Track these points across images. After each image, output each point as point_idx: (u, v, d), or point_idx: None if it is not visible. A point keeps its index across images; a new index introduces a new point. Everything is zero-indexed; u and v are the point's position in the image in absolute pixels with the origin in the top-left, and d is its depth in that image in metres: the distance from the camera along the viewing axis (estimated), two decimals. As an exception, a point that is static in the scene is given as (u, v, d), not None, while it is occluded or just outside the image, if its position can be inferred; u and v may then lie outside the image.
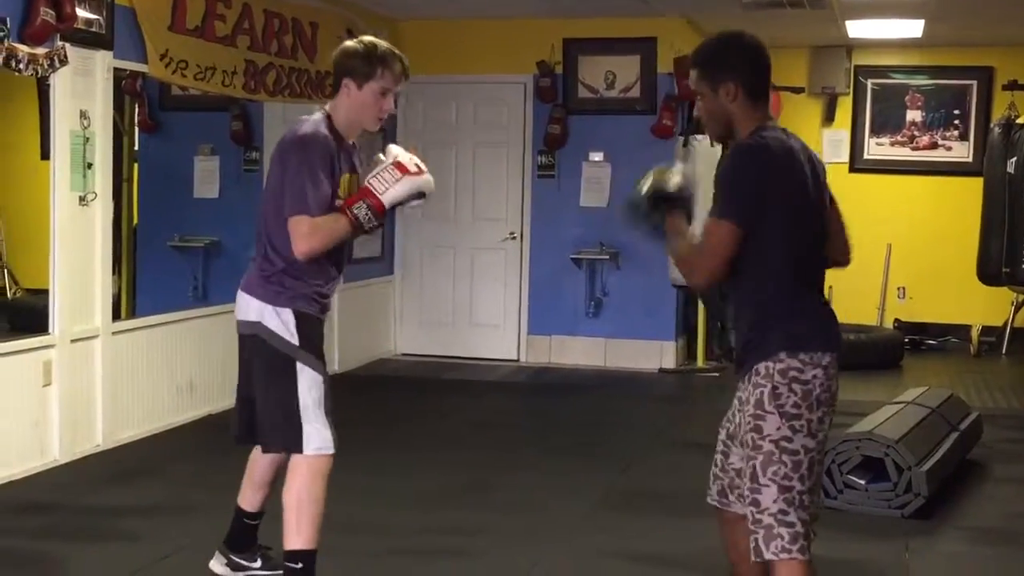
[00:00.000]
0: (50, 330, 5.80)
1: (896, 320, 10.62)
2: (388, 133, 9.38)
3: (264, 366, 3.76)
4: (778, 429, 3.00)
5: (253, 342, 3.78)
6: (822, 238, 3.19)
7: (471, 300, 9.58)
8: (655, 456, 6.43)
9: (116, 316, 6.58)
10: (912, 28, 9.37)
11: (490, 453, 6.42)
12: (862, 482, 5.22)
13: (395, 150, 3.80)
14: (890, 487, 5.15)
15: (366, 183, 3.70)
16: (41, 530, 4.85)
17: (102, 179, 6.07)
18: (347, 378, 8.61)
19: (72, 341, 5.89)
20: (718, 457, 3.31)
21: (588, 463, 6.19)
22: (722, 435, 3.32)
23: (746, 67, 3.14)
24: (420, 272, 9.67)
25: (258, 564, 4.08)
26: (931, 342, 10.52)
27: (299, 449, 3.71)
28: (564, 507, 5.33)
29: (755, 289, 3.08)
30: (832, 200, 3.29)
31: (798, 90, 10.55)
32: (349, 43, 3.84)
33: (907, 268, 10.63)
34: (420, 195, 3.74)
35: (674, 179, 3.24)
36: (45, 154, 6.24)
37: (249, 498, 4.08)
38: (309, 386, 3.72)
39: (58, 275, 5.83)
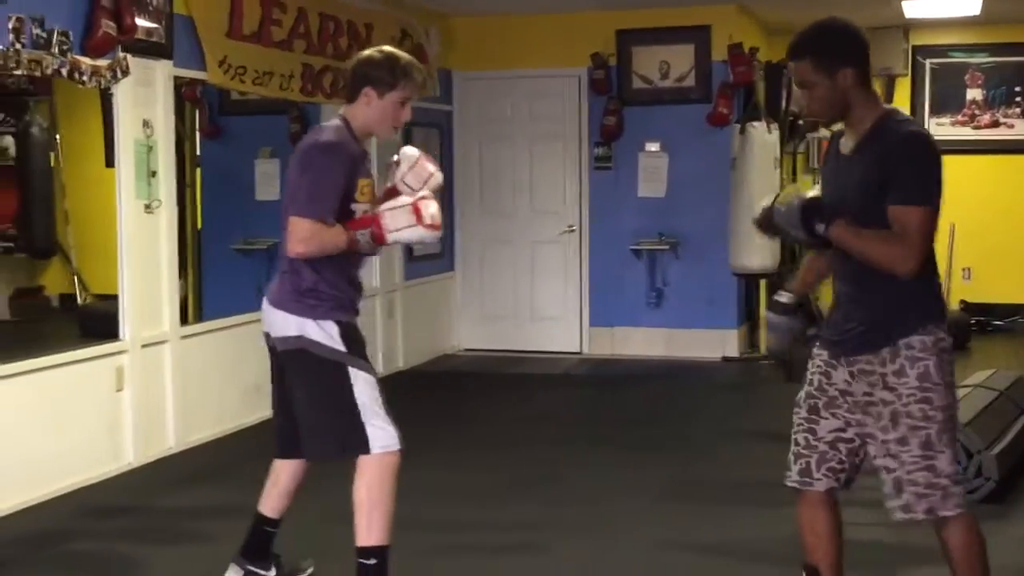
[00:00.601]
0: (121, 336, 5.92)
1: (962, 301, 10.50)
2: (445, 130, 9.46)
3: (313, 378, 3.78)
4: (946, 398, 3.23)
5: (296, 357, 3.79)
6: None
7: (532, 294, 9.61)
8: (720, 446, 6.42)
9: (184, 320, 6.69)
10: (970, 5, 9.25)
11: (554, 446, 6.45)
12: (931, 467, 5.18)
13: (412, 156, 3.92)
14: (960, 471, 5.10)
15: (380, 213, 3.75)
16: (118, 532, 4.95)
17: (166, 186, 6.17)
18: (411, 375, 8.68)
19: (143, 346, 6.00)
20: (800, 436, 3.39)
21: (653, 454, 6.20)
22: (802, 413, 3.40)
23: (860, 53, 3.28)
24: (480, 267, 9.71)
25: (273, 573, 4.10)
26: (998, 323, 10.39)
27: (366, 450, 3.73)
28: (629, 499, 5.34)
29: None
30: None
31: (855, 73, 10.45)
32: (369, 52, 3.88)
33: (972, 249, 10.49)
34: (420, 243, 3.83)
35: (812, 192, 3.36)
36: (110, 162, 6.36)
37: (273, 504, 4.08)
38: (363, 387, 3.76)
39: (127, 282, 5.95)
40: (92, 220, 9.28)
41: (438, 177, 3.99)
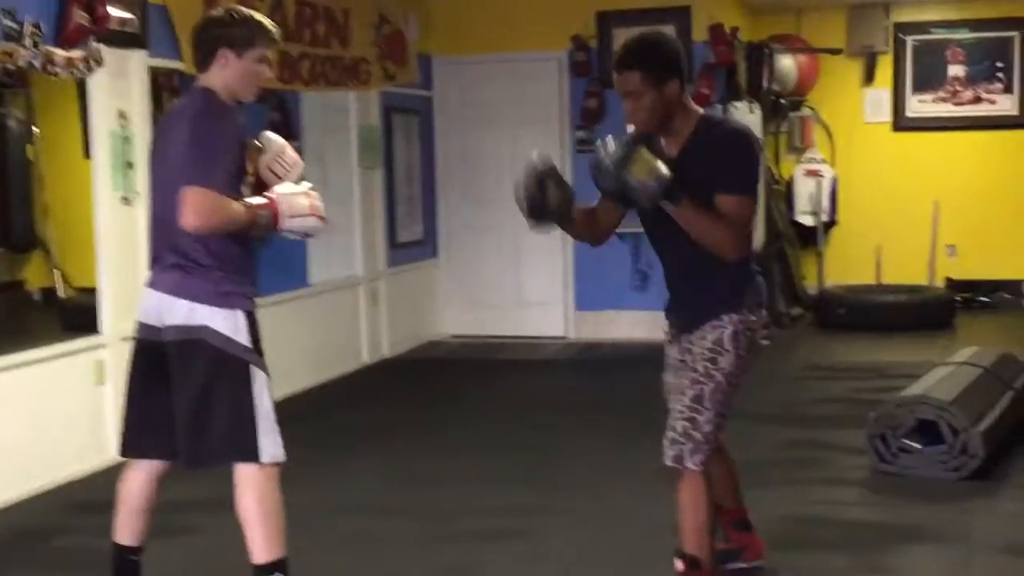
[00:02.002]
0: (100, 330, 5.87)
1: (947, 279, 10.49)
2: (426, 116, 9.40)
3: (212, 373, 3.46)
4: (731, 365, 3.51)
5: (192, 349, 3.45)
6: None
7: (517, 279, 9.58)
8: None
9: (165, 312, 6.62)
10: (950, -19, 9.23)
11: (544, 432, 6.43)
12: (918, 446, 5.18)
13: (276, 143, 3.73)
14: (946, 449, 5.10)
15: (277, 197, 3.51)
16: (101, 528, 4.87)
17: (144, 178, 6.10)
18: (398, 362, 8.65)
19: (123, 339, 5.94)
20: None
21: (643, 438, 6.14)
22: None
23: (683, 66, 3.53)
24: (465, 253, 9.67)
25: None
26: (983, 299, 10.38)
27: (255, 459, 3.49)
28: (623, 483, 5.33)
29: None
30: None
31: (836, 51, 10.40)
32: (215, 13, 3.62)
33: (956, 225, 10.49)
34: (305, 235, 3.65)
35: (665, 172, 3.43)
36: (88, 153, 6.29)
37: (132, 529, 3.77)
38: (262, 390, 3.51)
39: (105, 276, 5.91)
40: (72, 213, 9.17)
41: (300, 165, 3.76)
